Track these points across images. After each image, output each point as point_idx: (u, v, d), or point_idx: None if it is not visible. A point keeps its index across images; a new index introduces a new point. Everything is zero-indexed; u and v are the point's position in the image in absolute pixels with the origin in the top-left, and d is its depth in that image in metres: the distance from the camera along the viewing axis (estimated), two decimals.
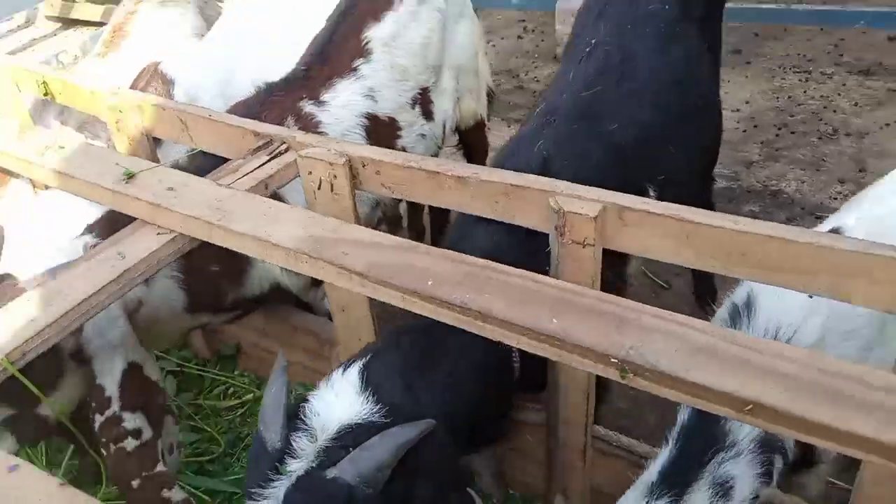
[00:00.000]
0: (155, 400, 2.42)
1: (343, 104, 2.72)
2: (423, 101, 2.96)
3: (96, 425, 2.29)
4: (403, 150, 2.85)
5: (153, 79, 3.03)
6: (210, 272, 2.49)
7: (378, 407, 1.59)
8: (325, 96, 2.71)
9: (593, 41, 2.46)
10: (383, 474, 1.42)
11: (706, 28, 2.73)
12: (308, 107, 2.67)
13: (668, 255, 1.68)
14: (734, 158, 4.25)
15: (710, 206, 3.02)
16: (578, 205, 1.69)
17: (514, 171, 1.90)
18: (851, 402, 1.22)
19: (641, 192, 2.10)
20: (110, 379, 2.29)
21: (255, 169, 2.11)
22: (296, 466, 1.47)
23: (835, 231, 1.89)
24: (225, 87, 3.06)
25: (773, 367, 1.29)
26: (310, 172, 2.07)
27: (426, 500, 1.54)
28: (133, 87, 2.96)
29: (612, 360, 1.36)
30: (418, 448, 1.49)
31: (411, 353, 1.84)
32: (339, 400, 1.60)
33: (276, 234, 1.78)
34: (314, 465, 1.47)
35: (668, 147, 2.39)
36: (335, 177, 2.03)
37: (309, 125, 2.62)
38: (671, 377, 1.31)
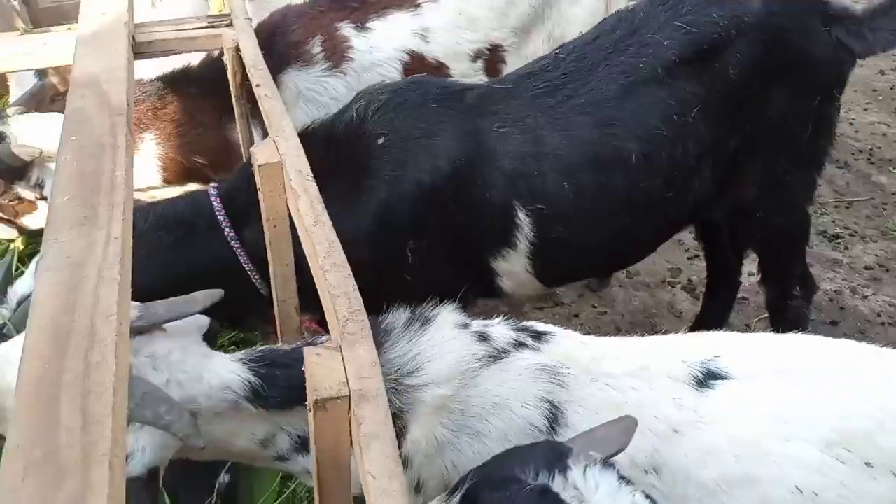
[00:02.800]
0: None
1: (387, 35, 2.69)
2: (491, 59, 2.89)
3: None
4: None
5: None
6: None
7: None
8: (372, 23, 2.69)
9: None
10: None
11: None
12: (345, 29, 2.65)
13: None
14: None
15: None
16: None
17: None
18: None
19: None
20: None
21: None
22: None
23: None
24: None
25: None
26: None
27: None
28: None
29: None
30: None
31: None
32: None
33: None
34: None
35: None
36: None
37: (337, 47, 2.60)
38: None
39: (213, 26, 2.15)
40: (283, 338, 1.77)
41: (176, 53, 2.19)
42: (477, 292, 2.37)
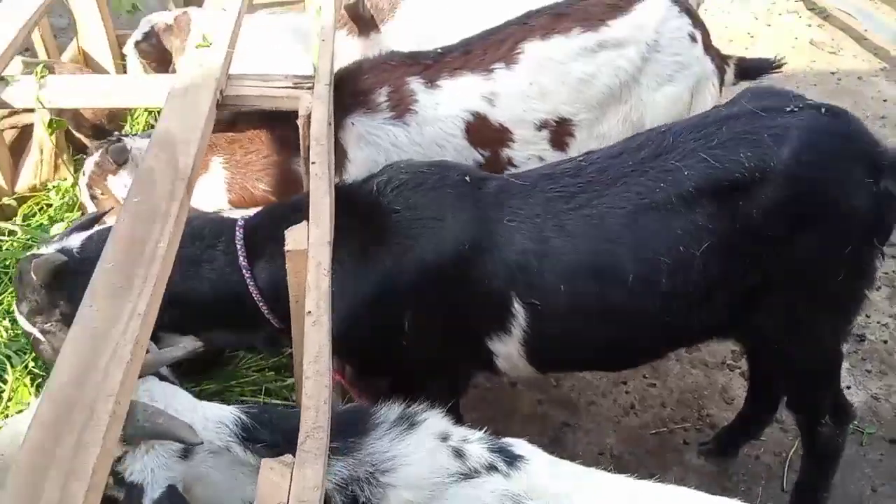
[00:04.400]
0: None
1: (454, 95, 2.81)
2: (558, 131, 2.95)
3: None
4: (509, 160, 2.91)
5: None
6: None
7: None
8: (443, 82, 2.82)
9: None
10: None
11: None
12: (414, 83, 2.80)
13: None
14: None
15: None
16: None
17: None
18: None
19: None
20: None
21: None
22: None
23: None
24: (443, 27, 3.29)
25: None
26: None
27: None
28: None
29: None
30: None
31: None
32: None
33: None
34: None
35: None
36: None
37: (403, 99, 2.76)
38: None
39: (296, 87, 2.33)
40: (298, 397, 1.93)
41: (259, 108, 2.38)
42: (476, 367, 2.48)
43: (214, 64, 2.29)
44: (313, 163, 1.97)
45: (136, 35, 3.77)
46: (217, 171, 2.83)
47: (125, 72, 3.84)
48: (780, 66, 3.37)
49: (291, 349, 2.83)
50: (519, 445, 1.70)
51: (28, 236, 3.02)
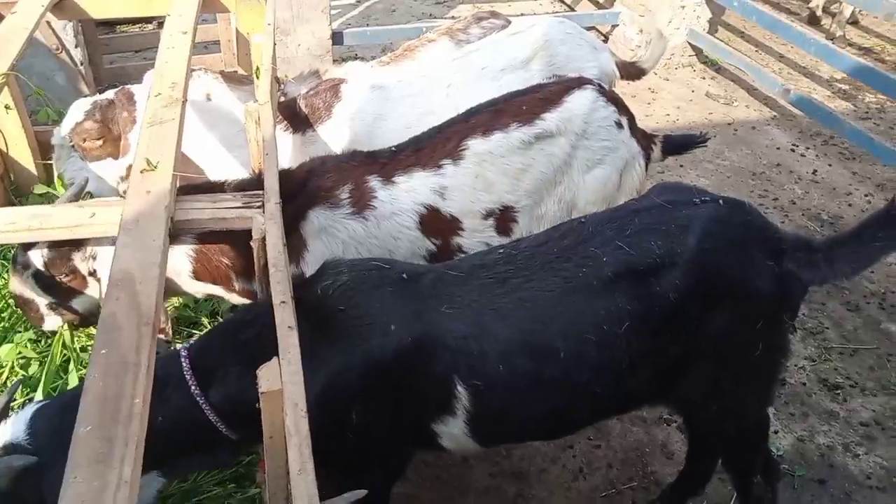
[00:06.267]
0: None
1: (409, 189, 2.98)
2: (503, 217, 3.14)
3: None
4: (459, 247, 3.08)
5: (330, 89, 3.70)
6: None
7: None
8: (398, 178, 2.98)
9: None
10: None
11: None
12: (373, 181, 2.96)
13: None
14: None
15: None
16: None
17: None
18: None
19: None
20: None
21: None
22: None
23: None
24: (376, 126, 3.61)
25: None
26: None
27: None
28: (315, 87, 3.72)
29: None
30: None
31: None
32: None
33: None
34: None
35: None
36: None
37: (363, 196, 2.92)
38: None
39: (246, 206, 2.38)
40: None
41: (210, 231, 2.42)
42: (419, 448, 2.61)
43: (162, 189, 2.31)
44: (274, 293, 2.01)
45: (74, 118, 3.69)
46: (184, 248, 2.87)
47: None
48: (704, 141, 3.65)
49: (248, 457, 2.85)
50: None
51: None
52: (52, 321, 3.09)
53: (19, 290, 2.98)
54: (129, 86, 3.86)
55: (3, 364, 3.03)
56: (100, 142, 3.69)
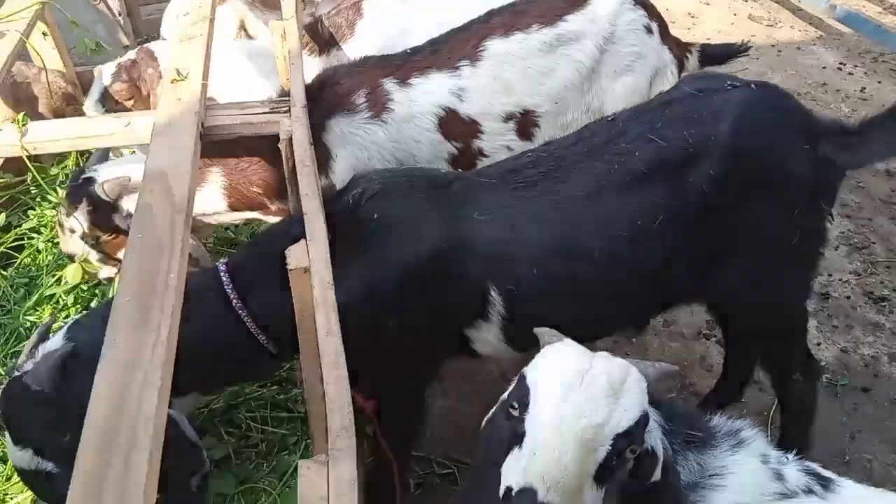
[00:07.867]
0: None
1: (426, 91, 2.95)
2: (523, 121, 3.09)
3: None
4: (480, 150, 3.05)
5: (352, 7, 3.62)
6: None
7: None
8: (414, 80, 2.95)
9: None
10: None
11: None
12: (388, 84, 2.94)
13: None
14: None
15: None
16: None
17: None
18: None
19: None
20: None
21: None
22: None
23: None
24: (401, 41, 3.42)
25: None
26: None
27: None
28: (337, 5, 3.63)
29: None
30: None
31: None
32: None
33: None
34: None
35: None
36: None
37: (379, 100, 2.90)
38: None
39: (273, 111, 2.43)
40: (310, 407, 2.04)
41: (240, 136, 2.48)
42: (452, 354, 2.61)
43: (192, 97, 2.38)
44: (302, 184, 2.07)
45: (103, 82, 3.77)
46: (216, 178, 2.95)
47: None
48: (746, 50, 3.53)
49: (289, 363, 2.95)
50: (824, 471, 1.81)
51: None
52: (107, 271, 3.21)
53: (71, 250, 3.11)
54: (147, 44, 3.91)
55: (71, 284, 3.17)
56: (131, 101, 3.75)
